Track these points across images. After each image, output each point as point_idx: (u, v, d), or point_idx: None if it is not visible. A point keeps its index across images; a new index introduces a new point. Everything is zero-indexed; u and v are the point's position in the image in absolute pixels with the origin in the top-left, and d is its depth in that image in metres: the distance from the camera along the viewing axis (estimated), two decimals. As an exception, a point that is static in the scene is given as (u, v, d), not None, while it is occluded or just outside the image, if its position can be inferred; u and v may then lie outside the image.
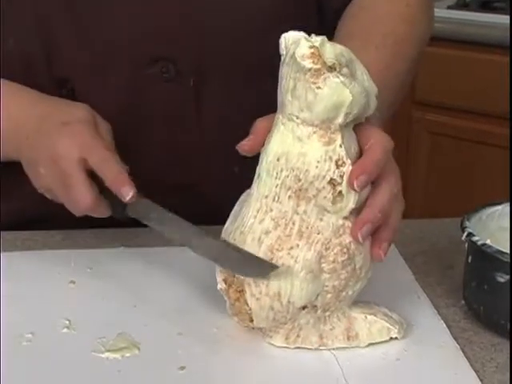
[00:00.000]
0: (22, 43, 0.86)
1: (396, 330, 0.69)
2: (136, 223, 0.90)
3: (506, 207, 0.78)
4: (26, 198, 0.92)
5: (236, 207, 0.70)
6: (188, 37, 0.86)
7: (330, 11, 0.95)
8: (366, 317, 0.69)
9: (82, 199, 0.75)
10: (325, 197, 0.64)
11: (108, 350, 0.67)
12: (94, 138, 0.77)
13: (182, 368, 0.65)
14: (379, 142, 0.66)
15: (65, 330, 0.70)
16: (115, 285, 0.78)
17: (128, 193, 0.73)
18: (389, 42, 0.87)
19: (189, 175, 0.92)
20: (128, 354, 0.67)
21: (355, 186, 0.63)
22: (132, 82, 0.87)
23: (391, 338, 0.70)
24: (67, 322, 0.71)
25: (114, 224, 0.90)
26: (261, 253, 0.65)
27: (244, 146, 0.67)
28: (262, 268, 0.65)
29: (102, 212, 0.77)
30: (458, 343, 0.70)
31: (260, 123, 0.68)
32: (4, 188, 0.93)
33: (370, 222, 0.65)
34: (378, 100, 0.67)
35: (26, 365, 0.66)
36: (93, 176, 0.75)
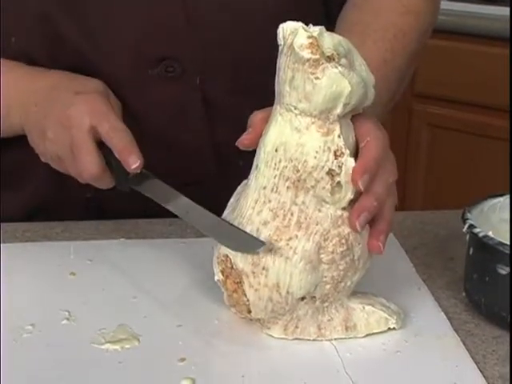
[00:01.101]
0: (24, 42, 0.85)
1: (394, 321, 0.69)
2: (136, 215, 0.90)
3: (507, 199, 0.78)
4: (28, 189, 0.93)
5: (233, 198, 0.70)
6: (192, 35, 0.85)
7: (335, 4, 0.94)
8: (363, 307, 0.69)
9: (88, 168, 0.76)
10: (323, 187, 0.64)
11: (108, 342, 0.67)
12: (107, 107, 0.78)
13: (182, 360, 0.65)
14: (376, 138, 0.65)
15: (65, 322, 0.70)
16: (115, 276, 0.78)
17: (135, 161, 0.74)
18: (388, 35, 0.86)
19: (196, 172, 0.92)
20: (128, 346, 0.67)
21: (360, 186, 0.63)
22: (137, 82, 0.86)
23: (389, 329, 0.70)
24: (67, 314, 0.71)
25: (114, 215, 0.90)
26: None
27: (244, 141, 0.67)
28: (252, 243, 0.65)
29: (106, 183, 0.78)
30: (458, 335, 0.70)
31: (256, 116, 0.68)
32: (5, 179, 0.93)
33: (366, 210, 0.64)
34: (377, 95, 0.67)
35: (26, 356, 0.65)
36: (100, 146, 0.76)
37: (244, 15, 0.87)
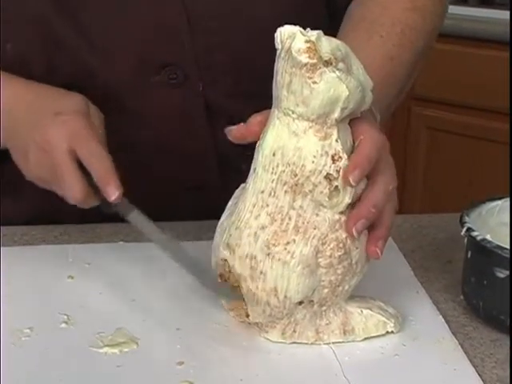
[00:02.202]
0: (22, 49, 0.84)
1: (392, 324, 0.69)
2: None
3: (505, 202, 0.78)
4: (27, 198, 0.92)
5: (231, 202, 0.70)
6: (193, 40, 0.85)
7: (339, 6, 0.94)
8: (361, 311, 0.69)
9: (71, 192, 0.74)
10: (321, 192, 0.64)
11: (106, 345, 0.67)
12: (86, 129, 0.75)
13: (181, 363, 0.65)
14: (369, 137, 0.65)
15: (63, 325, 0.70)
16: (114, 280, 0.78)
17: (114, 192, 0.72)
18: (396, 30, 0.86)
19: (198, 177, 0.91)
20: (126, 349, 0.67)
21: (351, 181, 0.63)
22: (139, 89, 0.86)
23: (388, 333, 0.69)
24: (65, 317, 0.71)
25: (112, 219, 0.90)
26: (257, 248, 0.65)
27: (235, 132, 0.67)
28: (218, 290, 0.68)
29: (92, 204, 0.76)
30: (456, 338, 0.70)
31: (255, 118, 0.68)
32: (5, 188, 0.93)
33: (363, 217, 0.64)
34: (380, 93, 0.66)
35: (24, 360, 0.65)
36: (83, 166, 0.74)
37: (245, 18, 0.87)
